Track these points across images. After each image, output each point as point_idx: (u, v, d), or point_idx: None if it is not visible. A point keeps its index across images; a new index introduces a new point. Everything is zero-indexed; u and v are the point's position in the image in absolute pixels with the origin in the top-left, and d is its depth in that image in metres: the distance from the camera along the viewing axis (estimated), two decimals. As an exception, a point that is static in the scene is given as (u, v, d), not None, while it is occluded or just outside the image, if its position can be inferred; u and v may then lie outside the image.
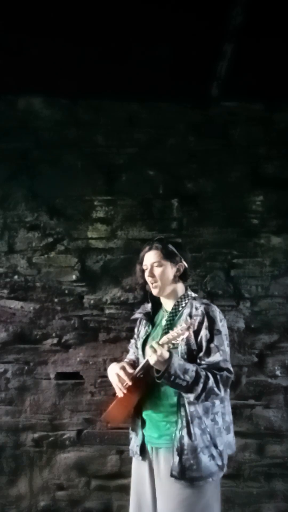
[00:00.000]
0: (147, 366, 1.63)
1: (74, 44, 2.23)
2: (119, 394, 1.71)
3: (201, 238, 2.68)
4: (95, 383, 2.54)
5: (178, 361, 1.56)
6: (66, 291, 2.62)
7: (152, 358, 1.54)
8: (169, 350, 1.57)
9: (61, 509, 2.48)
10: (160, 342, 1.58)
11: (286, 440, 2.55)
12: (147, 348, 1.59)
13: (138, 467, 1.78)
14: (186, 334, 1.56)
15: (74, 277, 2.63)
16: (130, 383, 1.68)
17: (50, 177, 2.68)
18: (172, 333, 1.57)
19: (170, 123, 2.75)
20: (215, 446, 1.62)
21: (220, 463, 1.63)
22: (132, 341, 2.04)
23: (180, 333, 1.55)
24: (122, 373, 1.71)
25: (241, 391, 2.57)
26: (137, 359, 1.89)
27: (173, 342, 1.58)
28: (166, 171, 2.72)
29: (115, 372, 1.74)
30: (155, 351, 1.54)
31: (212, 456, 1.60)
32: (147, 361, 1.61)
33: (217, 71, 2.43)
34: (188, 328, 1.56)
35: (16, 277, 2.62)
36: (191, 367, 1.57)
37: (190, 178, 2.72)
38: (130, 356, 2.00)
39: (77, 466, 2.51)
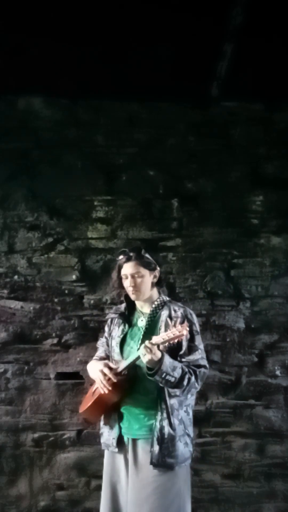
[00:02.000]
0: (133, 364, 1.71)
1: (74, 44, 2.23)
2: (104, 390, 1.74)
3: (201, 238, 2.68)
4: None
5: (168, 360, 1.66)
6: (66, 291, 2.62)
7: (146, 357, 1.61)
8: (159, 349, 1.65)
9: (61, 509, 2.48)
10: (154, 342, 1.63)
11: (286, 440, 2.56)
12: (141, 347, 1.64)
13: (112, 459, 1.83)
14: (184, 335, 1.63)
15: (74, 277, 2.63)
16: (115, 380, 1.72)
17: (50, 177, 2.68)
18: (168, 334, 1.62)
19: (170, 123, 2.75)
20: (188, 435, 1.78)
21: (191, 449, 1.80)
22: (102, 339, 2.06)
23: (178, 335, 1.60)
24: (106, 370, 1.76)
25: (241, 391, 2.57)
26: (108, 356, 1.94)
27: (171, 342, 1.63)
28: (166, 171, 2.72)
29: (98, 369, 1.78)
30: (150, 351, 1.60)
31: (186, 444, 1.75)
32: (136, 359, 1.69)
33: (217, 71, 2.43)
34: (186, 329, 1.62)
35: (16, 277, 2.62)
36: (178, 365, 1.69)
37: (190, 178, 2.72)
38: (100, 354, 2.02)
39: (77, 466, 2.51)
